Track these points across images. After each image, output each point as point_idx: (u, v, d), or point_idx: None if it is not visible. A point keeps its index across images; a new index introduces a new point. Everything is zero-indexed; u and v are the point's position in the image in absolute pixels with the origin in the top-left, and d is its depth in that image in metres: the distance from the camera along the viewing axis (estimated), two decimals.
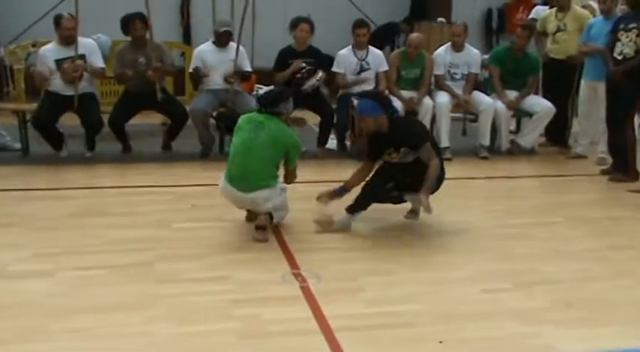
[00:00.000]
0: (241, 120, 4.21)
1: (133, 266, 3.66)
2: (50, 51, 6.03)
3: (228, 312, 3.16)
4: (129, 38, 6.18)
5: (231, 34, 6.21)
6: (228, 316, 3.12)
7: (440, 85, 6.72)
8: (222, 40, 6.17)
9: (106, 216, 4.55)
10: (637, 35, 5.49)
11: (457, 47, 6.68)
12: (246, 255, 3.89)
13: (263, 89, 7.49)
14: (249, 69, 6.38)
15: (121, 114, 6.12)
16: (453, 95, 6.61)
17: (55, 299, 3.24)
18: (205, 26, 9.68)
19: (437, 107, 6.48)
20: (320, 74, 6.21)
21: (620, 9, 6.43)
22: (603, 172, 6.02)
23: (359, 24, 6.59)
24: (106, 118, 6.07)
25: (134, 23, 6.05)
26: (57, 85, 5.97)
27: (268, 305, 3.25)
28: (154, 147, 6.54)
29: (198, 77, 6.24)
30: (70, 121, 6.28)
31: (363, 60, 6.46)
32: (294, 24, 6.33)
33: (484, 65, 7.07)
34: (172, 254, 3.83)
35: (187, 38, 9.90)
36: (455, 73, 6.71)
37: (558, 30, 6.71)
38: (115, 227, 4.29)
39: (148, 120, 7.03)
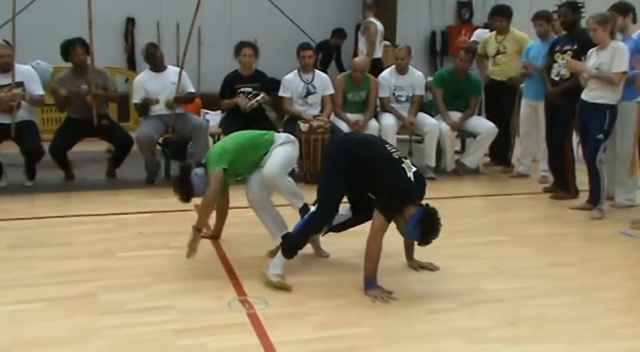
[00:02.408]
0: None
1: (74, 299, 3.55)
2: None
3: (172, 343, 3.09)
4: (69, 64, 6.07)
5: (156, 48, 6.20)
6: (172, 347, 3.06)
7: (385, 107, 6.81)
8: (152, 60, 6.12)
9: (47, 247, 4.41)
10: (572, 57, 5.67)
11: (401, 70, 6.79)
12: (192, 283, 3.82)
13: (210, 114, 7.49)
14: (192, 90, 6.36)
15: (63, 141, 5.99)
16: (399, 117, 6.70)
17: None
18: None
19: (383, 129, 6.56)
20: (261, 95, 6.21)
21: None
22: (545, 190, 6.17)
23: (304, 46, 6.65)
24: (46, 146, 5.93)
25: (75, 48, 5.96)
26: None
27: (214, 334, 3.19)
28: (97, 174, 6.40)
29: (147, 106, 6.14)
30: (9, 150, 6.11)
31: (309, 83, 6.50)
32: (238, 49, 6.34)
33: (428, 87, 7.19)
34: (116, 284, 3.74)
35: (132, 64, 9.78)
36: (400, 96, 6.81)
37: (498, 52, 6.89)
38: (56, 258, 4.16)
39: (92, 147, 6.88)
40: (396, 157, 3.72)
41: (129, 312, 3.39)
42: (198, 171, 4.07)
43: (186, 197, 4.08)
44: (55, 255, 4.23)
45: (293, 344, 3.10)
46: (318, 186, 3.90)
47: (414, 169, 3.72)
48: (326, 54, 9.98)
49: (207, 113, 7.58)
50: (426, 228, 3.61)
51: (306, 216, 3.91)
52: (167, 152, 6.37)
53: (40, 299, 3.53)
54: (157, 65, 6.18)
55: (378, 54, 8.74)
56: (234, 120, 6.27)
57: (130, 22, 9.78)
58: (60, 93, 5.94)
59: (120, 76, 8.56)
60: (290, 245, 3.87)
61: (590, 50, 5.37)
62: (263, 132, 4.35)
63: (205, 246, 4.45)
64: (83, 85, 5.99)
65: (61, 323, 3.27)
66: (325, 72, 7.26)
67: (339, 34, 10.02)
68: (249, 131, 4.38)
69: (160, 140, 6.26)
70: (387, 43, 9.97)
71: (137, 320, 3.28)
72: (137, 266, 4.05)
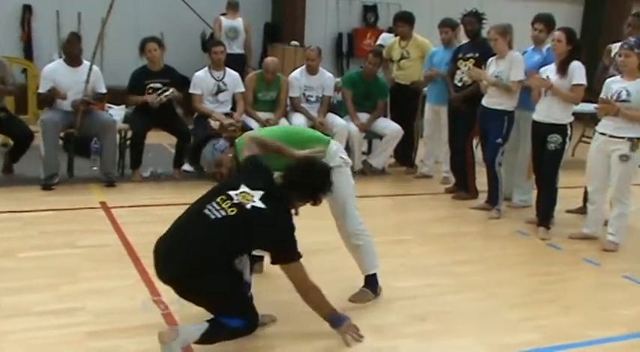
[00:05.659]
0: None
1: None
2: None
3: (84, 345, 3.02)
4: None
5: (80, 39, 5.86)
6: (84, 349, 2.98)
7: (296, 107, 6.87)
8: (71, 50, 5.80)
9: None
10: (474, 64, 5.95)
11: (312, 71, 6.88)
12: (103, 283, 3.72)
13: (113, 108, 7.26)
14: (104, 91, 6.10)
15: None
16: (309, 117, 6.79)
17: None
18: (49, 41, 9.23)
19: None
20: (170, 90, 6.09)
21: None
22: (447, 191, 6.44)
23: (215, 43, 6.58)
24: None
25: None
26: None
27: (127, 336, 3.13)
28: None
29: (52, 99, 5.79)
30: None
31: (220, 80, 6.45)
32: (142, 46, 6.18)
33: (337, 88, 7.32)
34: (19, 286, 3.57)
35: (29, 53, 9.30)
36: (310, 96, 6.90)
37: (402, 57, 7.11)
38: None
39: None
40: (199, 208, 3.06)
41: (36, 315, 3.26)
42: (219, 142, 3.49)
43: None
44: None
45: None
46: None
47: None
48: None
49: (110, 107, 7.34)
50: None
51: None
52: (70, 147, 6.10)
53: None
54: (74, 59, 5.87)
55: (228, 50, 8.69)
56: (143, 115, 6.14)
57: (27, 10, 9.27)
58: None
59: (17, 66, 8.12)
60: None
61: (490, 59, 5.66)
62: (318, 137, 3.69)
63: (116, 245, 4.35)
64: None
65: None
66: None
67: None
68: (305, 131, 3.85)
69: (62, 134, 6.00)
70: (296, 43, 10.08)
71: (46, 324, 3.17)
72: (41, 267, 3.89)
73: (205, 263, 2.90)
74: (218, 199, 3.00)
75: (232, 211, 2.94)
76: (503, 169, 5.68)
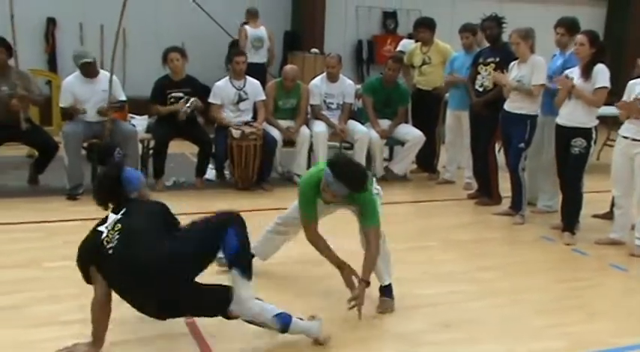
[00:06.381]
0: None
1: (2, 311, 3.42)
2: None
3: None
4: None
5: (92, 63, 5.93)
6: None
7: (316, 114, 6.88)
8: (86, 71, 5.92)
9: None
10: (494, 69, 5.91)
11: (332, 78, 6.88)
12: None
13: (136, 118, 7.32)
14: (124, 98, 6.18)
15: None
16: (329, 124, 6.79)
17: None
18: (72, 53, 9.32)
19: (314, 136, 6.62)
20: (192, 99, 6.13)
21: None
22: (470, 197, 6.40)
23: (238, 52, 6.63)
24: None
25: None
26: None
27: (151, 345, 3.15)
28: (18, 180, 6.14)
29: (71, 115, 5.90)
30: None
31: (241, 89, 6.48)
32: (165, 56, 6.23)
33: (358, 95, 7.32)
34: (44, 295, 3.61)
35: (53, 65, 9.45)
36: (331, 103, 6.90)
37: (424, 63, 7.09)
38: None
39: (12, 152, 6.61)
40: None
41: (62, 324, 3.29)
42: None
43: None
44: None
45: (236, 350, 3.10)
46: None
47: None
48: None
49: (133, 118, 7.42)
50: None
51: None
52: (93, 157, 6.17)
53: None
54: (90, 75, 5.94)
55: (251, 59, 8.55)
56: (165, 125, 6.18)
57: (51, 22, 9.43)
58: None
59: (41, 78, 8.24)
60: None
61: (512, 63, 5.62)
62: None
63: None
64: (3, 87, 5.74)
65: None
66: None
67: None
68: None
69: (85, 144, 6.07)
70: (315, 50, 10.11)
71: (70, 333, 3.17)
72: (66, 277, 3.87)
73: None
74: None
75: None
76: (527, 174, 5.62)
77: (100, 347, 3.02)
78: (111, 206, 3.13)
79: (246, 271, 3.02)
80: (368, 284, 3.46)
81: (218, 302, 3.00)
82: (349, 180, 3.34)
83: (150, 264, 2.85)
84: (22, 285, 3.76)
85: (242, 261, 3.04)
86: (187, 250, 2.96)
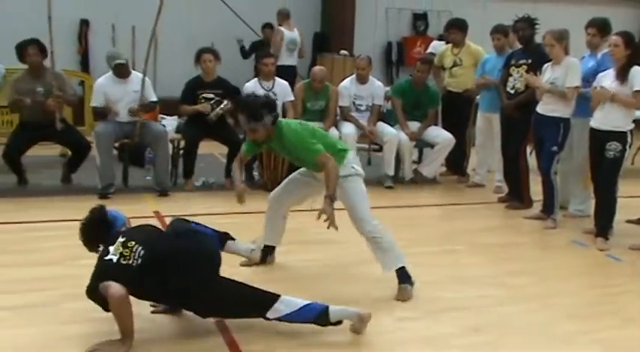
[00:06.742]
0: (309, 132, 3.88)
1: (37, 307, 3.49)
2: None
3: (146, 350, 3.06)
4: (25, 66, 5.93)
5: (125, 65, 6.02)
6: None
7: (345, 116, 6.88)
8: (119, 72, 5.99)
9: (5, 254, 4.30)
10: (526, 71, 5.85)
11: (362, 80, 6.87)
12: None
13: (166, 119, 7.41)
14: (155, 99, 6.25)
15: (17, 145, 5.83)
16: (358, 126, 6.78)
17: None
18: (104, 54, 9.44)
19: (343, 137, 6.60)
20: (225, 102, 6.18)
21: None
22: (500, 200, 6.33)
23: (266, 54, 6.66)
24: None
25: (27, 50, 5.81)
26: None
27: (182, 340, 3.17)
28: (52, 179, 6.25)
29: (104, 115, 5.99)
30: None
31: (270, 90, 6.51)
32: (198, 56, 6.28)
33: (387, 97, 7.30)
34: (79, 292, 3.59)
35: (85, 66, 9.60)
36: (360, 105, 6.89)
37: (454, 65, 7.04)
38: (16, 265, 4.08)
39: (45, 151, 6.73)
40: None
41: (96, 321, 3.32)
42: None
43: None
44: (14, 262, 4.14)
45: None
46: None
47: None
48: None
49: (163, 118, 7.50)
50: None
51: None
52: (125, 157, 6.26)
53: (3, 307, 3.45)
54: (122, 76, 6.02)
55: (286, 61, 8.88)
56: (195, 125, 6.23)
57: (85, 24, 9.60)
58: (24, 102, 5.75)
59: (74, 79, 8.37)
60: None
61: (546, 65, 5.55)
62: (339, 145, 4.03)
63: None
64: (39, 88, 5.85)
65: (27, 331, 3.21)
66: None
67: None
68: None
69: (117, 144, 6.15)
70: (345, 52, 10.11)
71: (105, 329, 3.21)
72: None
73: None
74: None
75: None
76: (559, 178, 5.55)
77: (130, 343, 3.06)
78: (100, 247, 3.28)
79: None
80: (331, 198, 3.62)
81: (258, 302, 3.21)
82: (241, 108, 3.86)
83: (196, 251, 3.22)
84: (55, 282, 3.82)
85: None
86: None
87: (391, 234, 3.96)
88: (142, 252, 3.12)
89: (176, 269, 3.11)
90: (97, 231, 3.38)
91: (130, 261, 3.10)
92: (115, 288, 3.01)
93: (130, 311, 3.08)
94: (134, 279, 3.08)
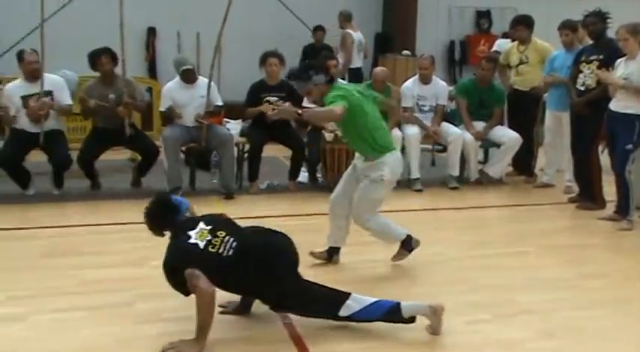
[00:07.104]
0: (345, 92, 3.92)
1: (110, 307, 3.59)
2: (16, 87, 5.95)
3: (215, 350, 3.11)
4: (97, 74, 6.13)
5: (192, 70, 6.15)
6: None
7: (408, 117, 6.81)
8: (187, 78, 6.13)
9: (80, 256, 4.45)
10: (598, 67, 5.66)
11: (425, 80, 6.80)
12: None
13: (230, 123, 7.51)
14: (220, 103, 6.36)
15: (90, 151, 6.03)
16: (422, 127, 6.71)
17: (29, 344, 3.15)
18: (171, 60, 9.68)
19: (406, 138, 6.56)
20: (287, 105, 6.20)
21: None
22: (570, 200, 6.14)
23: (330, 56, 6.68)
24: (73, 155, 5.98)
25: (101, 58, 6.00)
26: (23, 122, 5.85)
27: (253, 344, 3.21)
28: (122, 183, 6.42)
29: (171, 118, 6.16)
30: (35, 158, 6.16)
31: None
32: (263, 59, 6.35)
33: (451, 97, 7.20)
34: (152, 293, 3.74)
35: (153, 72, 9.87)
36: (423, 105, 6.81)
37: (521, 62, 6.87)
38: (90, 266, 4.21)
39: (116, 156, 6.94)
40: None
41: (167, 321, 3.41)
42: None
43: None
44: (89, 264, 4.27)
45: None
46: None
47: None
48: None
49: (227, 122, 7.61)
50: None
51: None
52: (192, 161, 6.39)
53: (78, 307, 3.56)
54: (189, 81, 6.16)
55: (357, 64, 8.94)
56: (259, 129, 6.30)
57: (152, 32, 9.87)
58: (89, 104, 5.97)
59: (142, 85, 8.60)
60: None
61: (619, 60, 5.35)
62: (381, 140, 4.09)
63: None
64: (111, 95, 6.04)
65: (101, 331, 3.30)
66: None
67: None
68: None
69: (184, 148, 6.29)
70: (407, 52, 10.03)
71: (176, 329, 3.28)
72: None
73: None
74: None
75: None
76: (633, 177, 5.34)
77: (203, 344, 3.11)
78: (167, 233, 3.38)
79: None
80: (299, 114, 3.84)
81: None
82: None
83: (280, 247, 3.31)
84: (130, 283, 3.93)
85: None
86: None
87: (383, 218, 4.20)
88: (235, 244, 3.16)
89: (264, 263, 3.16)
90: (164, 216, 3.42)
91: (220, 251, 3.14)
92: (207, 284, 3.06)
93: (214, 309, 3.12)
94: (223, 269, 3.12)
